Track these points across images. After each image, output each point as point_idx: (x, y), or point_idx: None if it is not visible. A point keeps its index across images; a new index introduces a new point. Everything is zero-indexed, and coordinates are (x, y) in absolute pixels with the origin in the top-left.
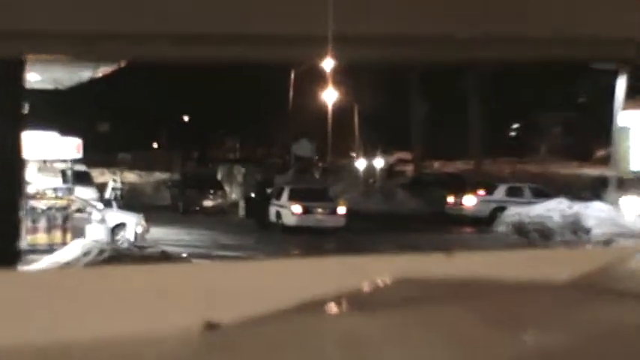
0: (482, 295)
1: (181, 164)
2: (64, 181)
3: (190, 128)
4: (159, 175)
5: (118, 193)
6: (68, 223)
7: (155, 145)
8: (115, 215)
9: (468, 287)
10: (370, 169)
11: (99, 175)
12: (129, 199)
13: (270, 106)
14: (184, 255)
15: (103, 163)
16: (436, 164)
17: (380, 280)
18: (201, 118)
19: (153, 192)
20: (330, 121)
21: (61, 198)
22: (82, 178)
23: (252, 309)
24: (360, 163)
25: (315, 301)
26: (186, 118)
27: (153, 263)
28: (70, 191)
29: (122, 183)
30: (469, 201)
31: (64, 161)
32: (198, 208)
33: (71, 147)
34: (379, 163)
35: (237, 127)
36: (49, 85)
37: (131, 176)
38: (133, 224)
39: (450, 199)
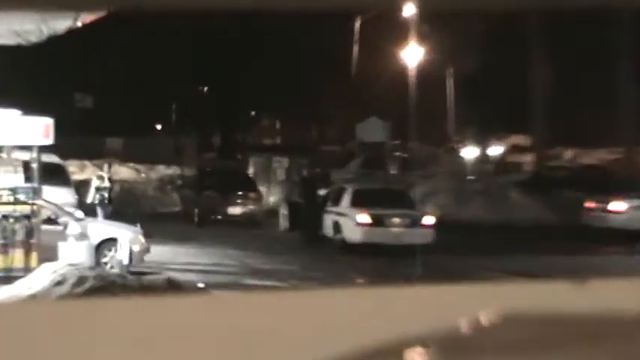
0: (622, 335)
1: (197, 154)
2: (28, 178)
3: (210, 103)
4: (164, 171)
5: (106, 195)
6: (33, 238)
7: (159, 127)
8: (102, 228)
9: (603, 325)
10: (472, 159)
11: (78, 169)
12: (121, 205)
13: (324, 71)
14: (201, 285)
15: (85, 152)
16: (568, 153)
17: (483, 315)
18: (226, 89)
19: (156, 194)
20: (412, 90)
21: (23, 202)
22: (53, 175)
23: (299, 357)
24: (458, 152)
25: (394, 344)
26: (204, 89)
27: (156, 295)
28: (37, 193)
29: (111, 181)
30: (618, 206)
31: (28, 150)
32: (221, 217)
33: (38, 129)
34: (485, 150)
35: (278, 101)
36: (8, 41)
37: (125, 171)
38: (126, 240)
39: (590, 203)
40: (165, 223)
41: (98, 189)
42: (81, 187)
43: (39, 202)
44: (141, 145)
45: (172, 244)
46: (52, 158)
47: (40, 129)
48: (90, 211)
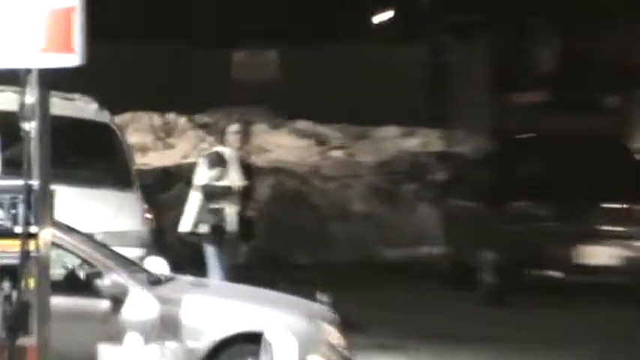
0: None
1: (488, 98)
2: (12, 161)
3: None
4: (399, 144)
5: (232, 211)
6: (29, 331)
7: (377, 21)
8: (223, 305)
9: None
10: None
11: (156, 137)
12: (276, 239)
13: None
14: None
15: (176, 94)
16: None
17: None
18: None
19: (376, 207)
20: None
21: (10, 234)
22: (88, 154)
23: None
24: None
25: None
26: None
27: None
28: (37, 203)
29: (251, 171)
30: None
31: (14, 83)
32: (558, 272)
33: (40, 28)
34: None
35: None
36: None
37: (287, 142)
38: (292, 343)
39: None
40: (401, 290)
41: (211, 193)
42: (164, 187)
43: (44, 231)
44: (332, 67)
45: (422, 353)
46: (84, 110)
47: (44, 27)
48: (189, 257)
